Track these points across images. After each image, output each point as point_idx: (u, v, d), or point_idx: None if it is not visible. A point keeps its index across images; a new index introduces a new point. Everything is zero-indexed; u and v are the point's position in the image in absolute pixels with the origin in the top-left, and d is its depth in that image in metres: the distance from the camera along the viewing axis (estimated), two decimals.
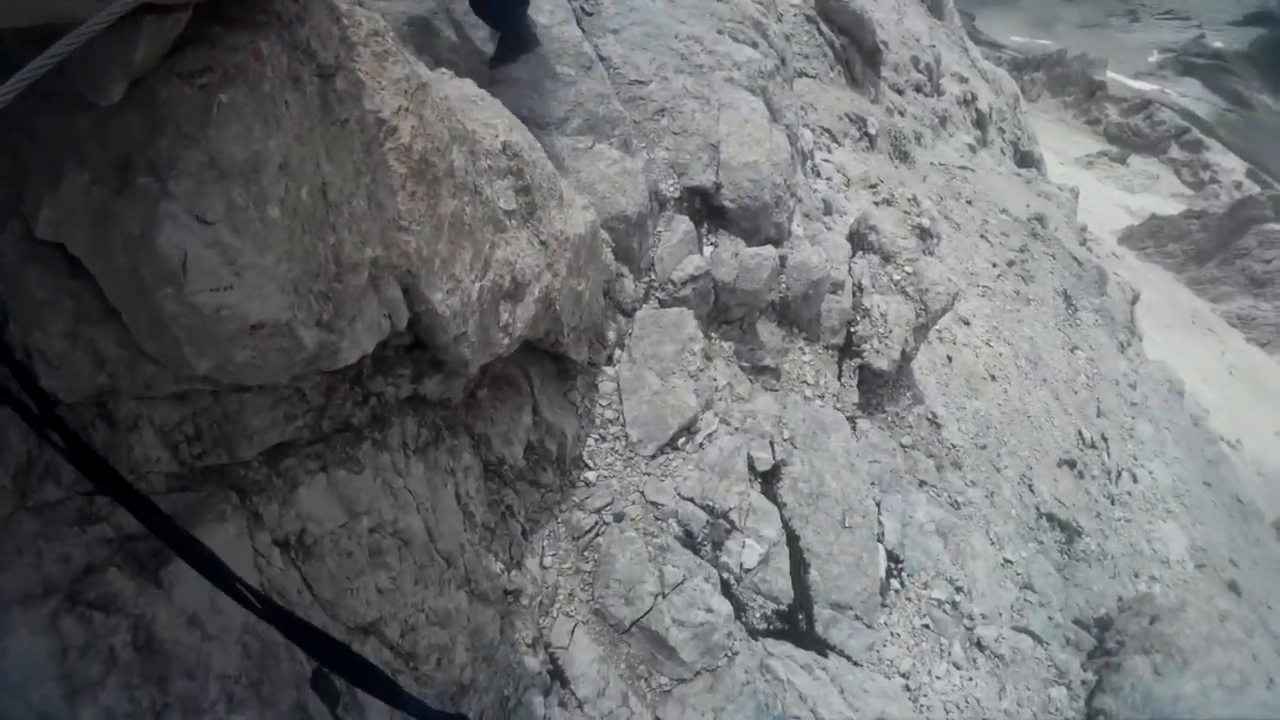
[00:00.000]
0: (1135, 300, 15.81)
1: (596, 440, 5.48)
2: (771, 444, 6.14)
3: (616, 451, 5.51)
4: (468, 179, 3.76)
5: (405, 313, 3.29)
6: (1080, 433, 10.92)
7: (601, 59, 6.32)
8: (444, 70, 4.95)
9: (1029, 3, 64.84)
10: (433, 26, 5.61)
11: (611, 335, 5.67)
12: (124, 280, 2.38)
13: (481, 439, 4.60)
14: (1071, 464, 10.19)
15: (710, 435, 5.79)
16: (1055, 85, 43.68)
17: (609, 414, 5.57)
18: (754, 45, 7.74)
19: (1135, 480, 11.33)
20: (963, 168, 14.94)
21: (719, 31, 7.46)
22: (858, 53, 14.12)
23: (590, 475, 5.34)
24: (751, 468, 5.93)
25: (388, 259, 3.08)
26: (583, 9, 6.49)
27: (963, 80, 17.96)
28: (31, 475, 2.48)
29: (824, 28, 13.85)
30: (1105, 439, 11.35)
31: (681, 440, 5.68)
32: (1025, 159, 19.69)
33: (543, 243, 4.52)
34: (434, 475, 4.03)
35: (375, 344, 3.09)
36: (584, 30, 6.32)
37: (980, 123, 17.80)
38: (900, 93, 15.20)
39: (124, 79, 2.22)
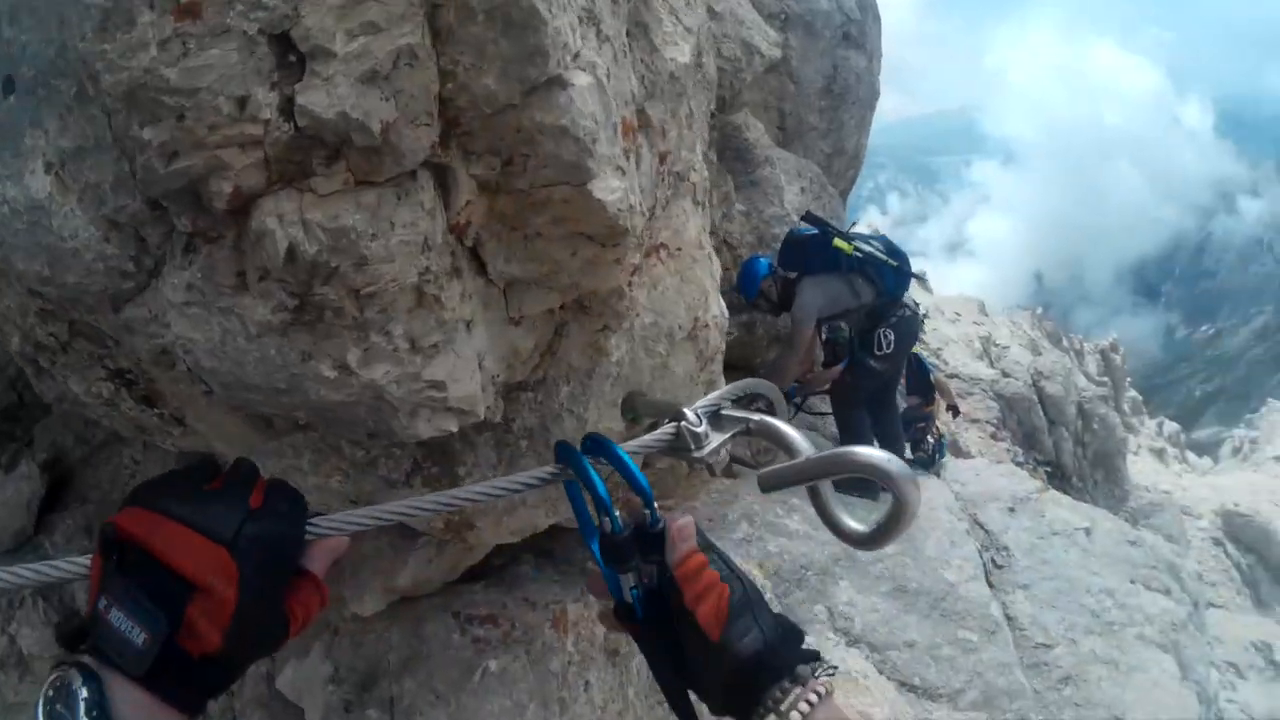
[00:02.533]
0: None
1: None
2: None
3: None
4: None
5: None
6: None
7: (1008, 619, 5.84)
8: (830, 634, 4.81)
9: None
10: None
11: None
12: None
13: None
14: None
15: None
16: None
17: None
18: (1166, 593, 7.02)
19: None
20: None
21: (1131, 581, 6.85)
22: (1264, 571, 13.57)
23: None
24: None
25: None
26: (994, 561, 6.21)
27: None
28: None
29: (1230, 549, 13.57)
30: None
31: None
32: None
33: None
34: None
35: None
36: (992, 585, 5.90)
37: None
38: None
39: (383, 596, 2.03)
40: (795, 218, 6.47)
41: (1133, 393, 19.19)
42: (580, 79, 1.22)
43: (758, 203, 6.61)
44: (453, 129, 1.19)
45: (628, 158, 1.43)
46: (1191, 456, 21.85)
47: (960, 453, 8.85)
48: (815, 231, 5.86)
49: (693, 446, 1.34)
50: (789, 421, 1.34)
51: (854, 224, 6.71)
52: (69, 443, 3.17)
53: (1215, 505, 14.25)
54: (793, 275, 5.91)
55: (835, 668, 1.05)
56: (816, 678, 0.97)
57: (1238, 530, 13.68)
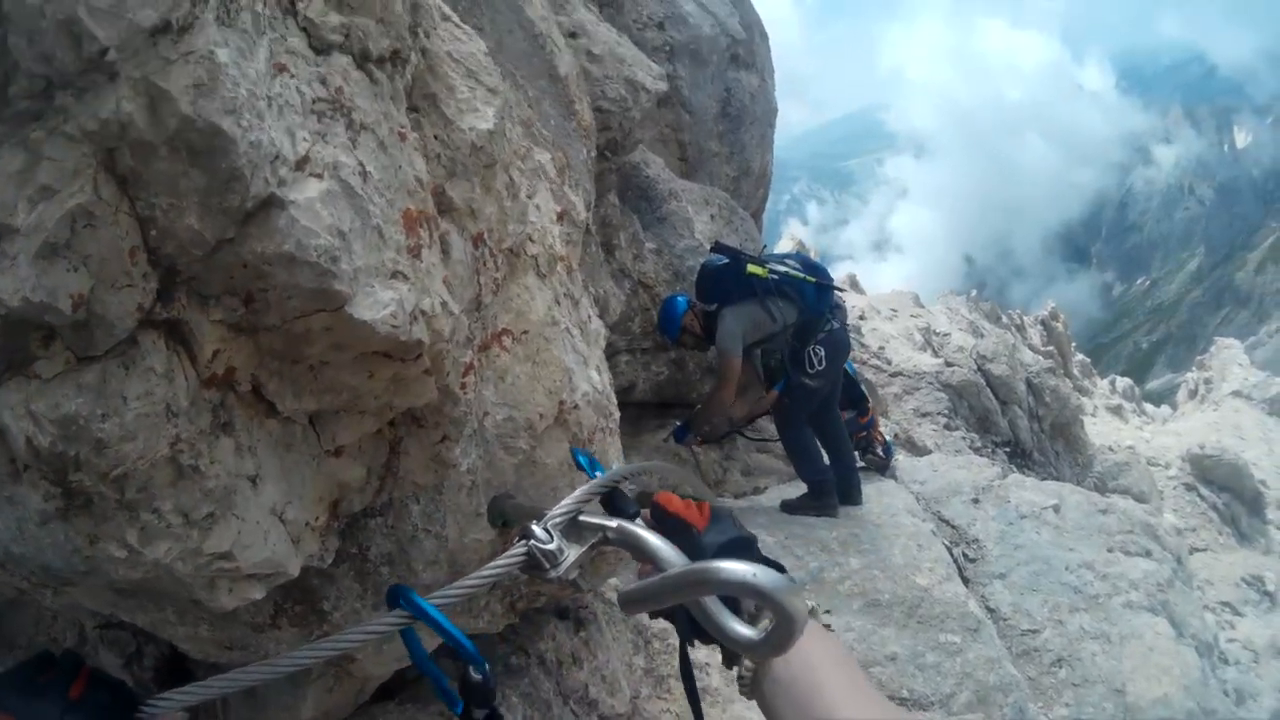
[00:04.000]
0: None
1: None
2: None
3: None
4: None
5: None
6: None
7: (989, 611, 5.74)
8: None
9: None
10: None
11: None
12: None
13: None
14: None
15: None
16: None
17: None
18: (1147, 555, 7.05)
19: None
20: None
21: (1109, 550, 6.87)
22: (1241, 505, 13.75)
23: None
24: None
25: None
26: (965, 556, 6.14)
27: None
28: None
29: (1204, 492, 13.67)
30: None
31: None
32: None
33: None
34: None
35: None
36: (968, 581, 5.81)
37: None
38: None
39: None
40: (709, 246, 6.44)
41: (1080, 356, 19.49)
42: (306, 190, 1.07)
43: (668, 238, 6.55)
44: (174, 278, 1.06)
45: (417, 255, 1.28)
46: (1149, 407, 22.22)
47: (916, 449, 8.82)
48: (727, 260, 5.82)
49: (547, 566, 1.20)
50: (656, 529, 1.20)
51: (765, 246, 6.66)
52: None
53: (1181, 451, 14.46)
54: (712, 307, 5.85)
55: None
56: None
57: (1208, 471, 13.87)
